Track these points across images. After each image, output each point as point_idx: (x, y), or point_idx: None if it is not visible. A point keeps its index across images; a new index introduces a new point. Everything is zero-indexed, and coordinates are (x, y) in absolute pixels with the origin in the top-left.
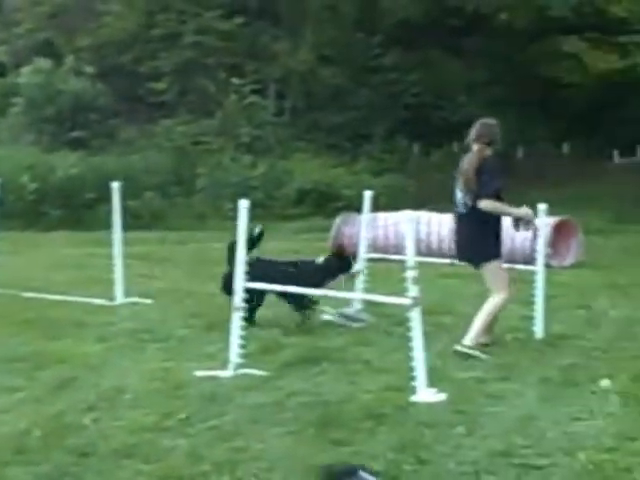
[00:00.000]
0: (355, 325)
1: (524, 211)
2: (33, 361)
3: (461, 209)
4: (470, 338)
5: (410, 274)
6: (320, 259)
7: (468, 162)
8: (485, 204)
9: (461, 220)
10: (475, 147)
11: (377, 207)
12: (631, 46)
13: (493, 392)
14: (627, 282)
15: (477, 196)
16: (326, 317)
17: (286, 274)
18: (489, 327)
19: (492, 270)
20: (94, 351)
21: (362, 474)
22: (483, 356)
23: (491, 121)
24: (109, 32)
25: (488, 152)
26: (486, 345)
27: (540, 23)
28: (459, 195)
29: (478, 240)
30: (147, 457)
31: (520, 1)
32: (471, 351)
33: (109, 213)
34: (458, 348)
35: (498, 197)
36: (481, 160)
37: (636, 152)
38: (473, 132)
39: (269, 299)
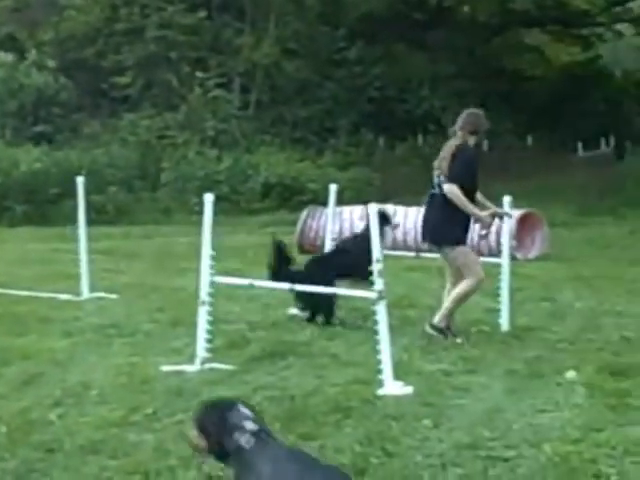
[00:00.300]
0: (320, 319)
1: (480, 215)
2: None
3: (435, 190)
4: (438, 317)
5: (376, 267)
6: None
7: (449, 146)
8: (449, 188)
9: (433, 201)
10: (459, 134)
11: (343, 201)
12: (593, 38)
13: (459, 385)
14: (592, 274)
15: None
16: (292, 311)
17: (345, 260)
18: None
19: (460, 254)
20: (60, 346)
21: (240, 408)
22: (447, 341)
23: (478, 111)
24: (72, 26)
25: (471, 141)
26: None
27: (503, 16)
28: (435, 177)
29: (445, 223)
30: (113, 452)
31: None
32: (436, 333)
33: (74, 208)
34: (427, 329)
35: (462, 188)
36: (460, 147)
37: (600, 145)
38: (459, 120)
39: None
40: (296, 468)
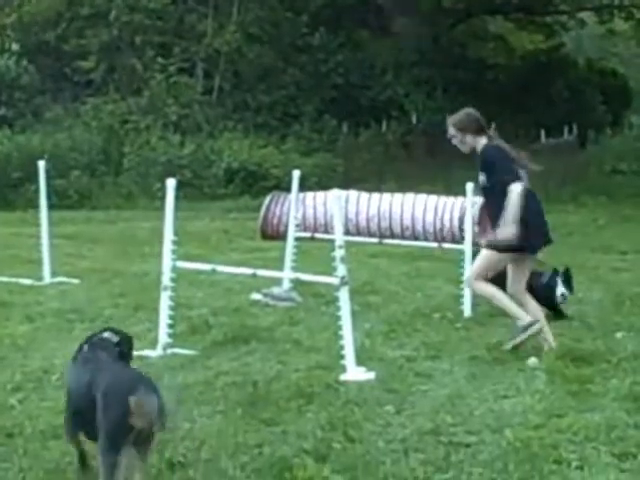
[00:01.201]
0: (283, 304)
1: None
2: None
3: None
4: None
5: (338, 253)
6: None
7: None
8: None
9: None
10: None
11: (306, 187)
12: (556, 26)
13: (422, 371)
14: (553, 261)
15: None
16: (254, 297)
17: None
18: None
19: None
20: (21, 331)
21: (105, 334)
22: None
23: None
24: (34, 9)
25: None
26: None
27: (467, 3)
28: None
29: None
30: None
31: None
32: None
33: (36, 192)
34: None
35: None
36: None
37: (563, 133)
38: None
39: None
40: (93, 367)
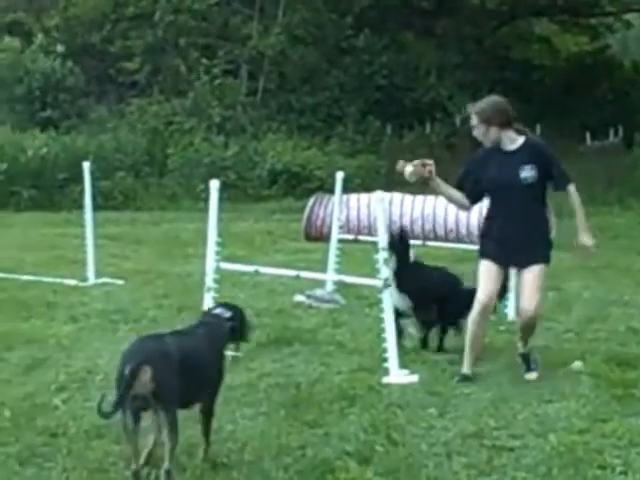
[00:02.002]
0: (326, 306)
1: None
2: (3, 342)
3: None
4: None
5: (381, 255)
6: None
7: None
8: None
9: None
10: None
11: (350, 188)
12: (602, 28)
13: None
14: (599, 264)
15: None
16: (297, 298)
17: None
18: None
19: None
20: (65, 332)
21: (218, 310)
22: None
23: None
24: (79, 11)
25: None
26: None
27: (512, 5)
28: None
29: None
30: (118, 437)
31: None
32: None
33: (81, 193)
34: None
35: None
36: None
37: (608, 134)
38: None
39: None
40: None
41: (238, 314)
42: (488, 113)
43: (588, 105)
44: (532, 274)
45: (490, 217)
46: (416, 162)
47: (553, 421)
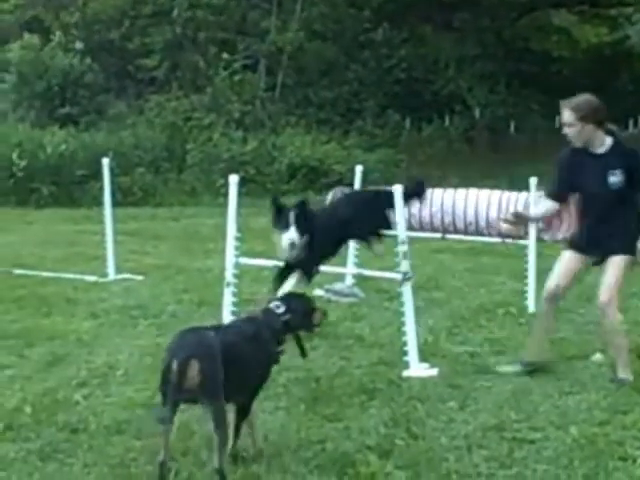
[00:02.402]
0: (346, 300)
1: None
2: (24, 338)
3: None
4: None
5: (401, 249)
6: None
7: None
8: None
9: None
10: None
11: (369, 182)
12: (621, 19)
13: (486, 367)
14: None
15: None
16: (317, 292)
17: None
18: None
19: None
20: (85, 328)
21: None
22: None
23: None
24: (98, 8)
25: None
26: None
27: None
28: None
29: None
30: (138, 433)
31: None
32: None
33: (100, 189)
34: None
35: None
36: None
37: (628, 125)
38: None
39: None
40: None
41: (296, 306)
42: (585, 110)
43: (607, 96)
44: (612, 265)
45: (582, 216)
46: (509, 217)
47: (574, 413)
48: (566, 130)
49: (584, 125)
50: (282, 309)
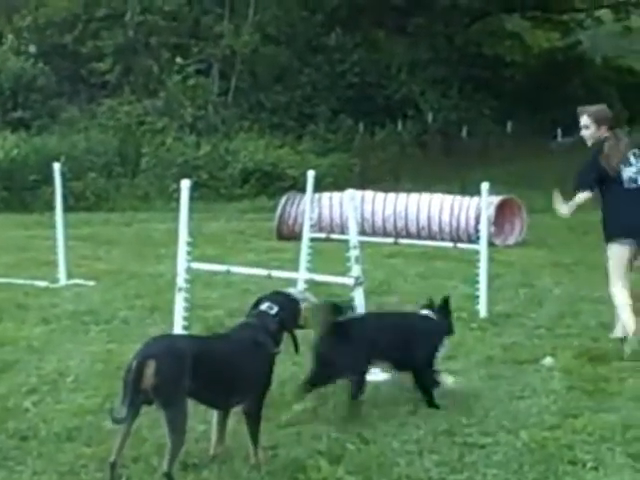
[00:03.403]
0: None
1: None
2: None
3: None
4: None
5: (353, 254)
6: None
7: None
8: None
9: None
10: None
11: (322, 187)
12: (573, 24)
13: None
14: (571, 260)
15: None
16: None
17: None
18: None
19: None
20: (36, 334)
21: (263, 307)
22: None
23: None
24: (51, 12)
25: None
26: None
27: (483, 2)
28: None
29: None
30: (89, 440)
31: None
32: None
33: (52, 194)
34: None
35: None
36: None
37: (579, 131)
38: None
39: None
40: None
41: (287, 304)
42: (602, 115)
43: (559, 101)
44: None
45: None
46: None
47: (524, 417)
48: (583, 132)
49: (598, 127)
50: (275, 310)
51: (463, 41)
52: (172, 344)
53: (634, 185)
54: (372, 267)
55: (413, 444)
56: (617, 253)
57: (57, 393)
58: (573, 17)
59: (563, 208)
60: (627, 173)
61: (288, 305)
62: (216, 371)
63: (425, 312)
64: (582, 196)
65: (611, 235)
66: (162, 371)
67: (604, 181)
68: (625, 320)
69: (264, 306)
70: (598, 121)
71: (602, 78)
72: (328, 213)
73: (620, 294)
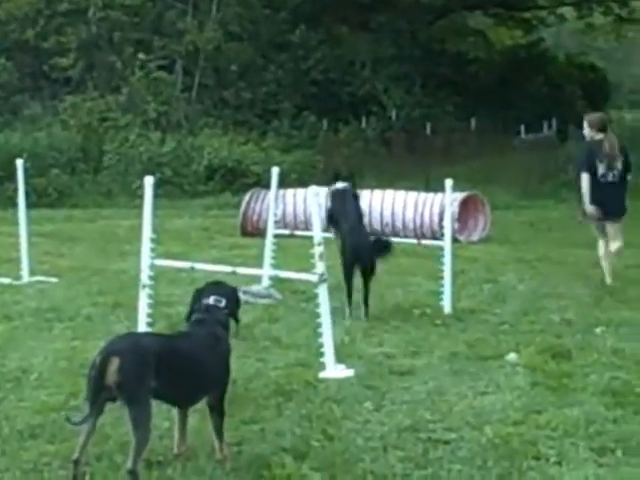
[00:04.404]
0: (263, 302)
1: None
2: None
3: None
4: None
5: (317, 250)
6: None
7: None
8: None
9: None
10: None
11: (286, 183)
12: (535, 21)
13: (402, 367)
14: (534, 256)
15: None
16: None
17: None
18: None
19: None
20: None
21: (211, 300)
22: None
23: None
24: (13, 7)
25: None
26: None
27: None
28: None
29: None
30: (52, 437)
31: None
32: None
33: (14, 191)
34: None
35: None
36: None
37: (542, 128)
38: (603, 120)
39: None
40: None
41: (231, 296)
42: (595, 120)
43: (522, 98)
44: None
45: None
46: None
47: (488, 413)
48: (585, 131)
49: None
50: (223, 302)
51: (426, 38)
52: (136, 341)
53: (603, 180)
54: (336, 263)
55: (377, 440)
56: (596, 223)
57: (20, 390)
58: (536, 14)
59: (587, 207)
60: (601, 170)
61: (232, 295)
62: (180, 370)
63: None
64: (585, 177)
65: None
66: (125, 368)
67: (591, 170)
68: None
69: (211, 300)
70: (592, 125)
71: (565, 75)
72: (292, 210)
73: (601, 248)
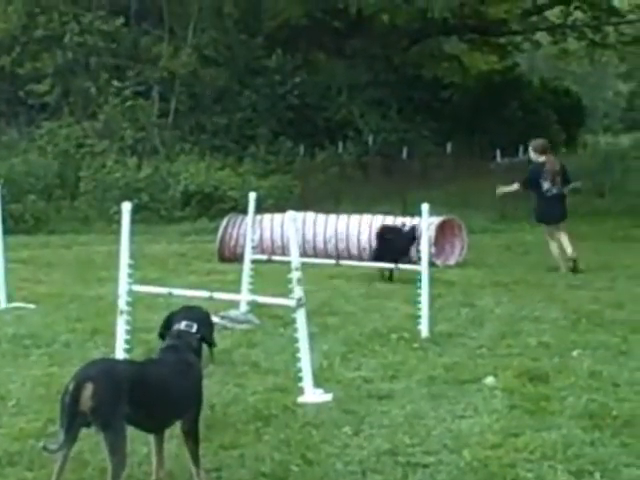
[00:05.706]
0: (241, 327)
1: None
2: None
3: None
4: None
5: (295, 275)
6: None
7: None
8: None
9: (557, 195)
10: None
11: (263, 208)
12: (510, 47)
13: (380, 391)
14: (511, 280)
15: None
16: (213, 319)
17: None
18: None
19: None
20: None
21: (183, 325)
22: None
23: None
24: None
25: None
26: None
27: (421, 25)
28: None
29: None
30: (30, 464)
31: (401, 3)
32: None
33: None
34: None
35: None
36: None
37: (518, 152)
38: (544, 145)
39: None
40: None
41: (203, 320)
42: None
43: (498, 123)
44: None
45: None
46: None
47: (467, 436)
48: (531, 155)
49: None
50: (195, 327)
51: (401, 63)
52: (109, 367)
53: (548, 193)
54: (314, 288)
55: (357, 465)
56: (545, 228)
57: None
58: (511, 40)
59: (500, 188)
60: (545, 185)
61: (205, 320)
62: (153, 396)
63: None
64: (515, 186)
65: (538, 219)
66: (100, 393)
67: (538, 187)
68: (556, 257)
69: (183, 325)
70: (536, 150)
71: (540, 100)
72: (269, 235)
73: (552, 246)
